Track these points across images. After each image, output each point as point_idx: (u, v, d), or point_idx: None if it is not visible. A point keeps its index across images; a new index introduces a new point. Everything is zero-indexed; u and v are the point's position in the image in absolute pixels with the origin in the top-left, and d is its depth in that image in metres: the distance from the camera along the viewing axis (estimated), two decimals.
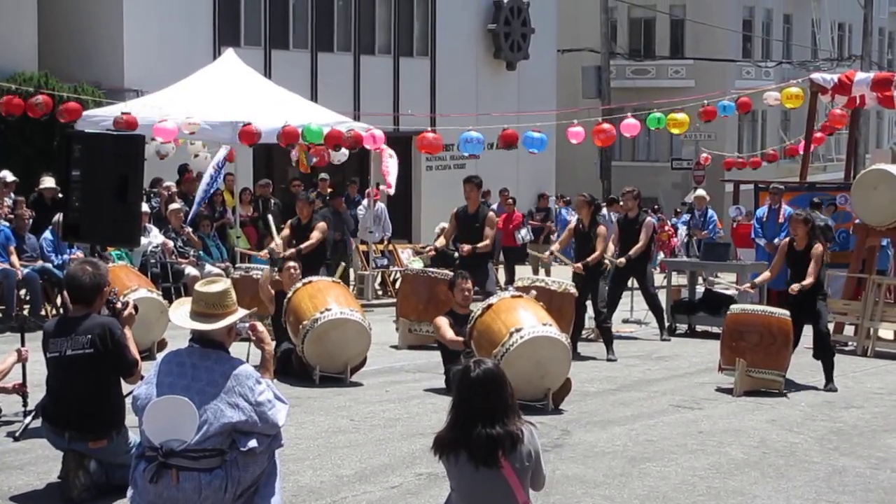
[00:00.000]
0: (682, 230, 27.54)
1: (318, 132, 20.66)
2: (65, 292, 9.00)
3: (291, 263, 14.17)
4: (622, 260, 16.86)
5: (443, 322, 12.36)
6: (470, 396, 5.97)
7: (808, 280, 13.61)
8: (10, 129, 22.06)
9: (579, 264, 15.68)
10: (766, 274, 14.75)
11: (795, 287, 13.58)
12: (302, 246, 16.01)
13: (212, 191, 21.23)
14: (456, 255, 16.45)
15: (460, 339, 11.96)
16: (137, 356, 7.80)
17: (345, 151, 22.37)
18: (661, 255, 27.76)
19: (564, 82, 41.57)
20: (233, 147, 21.07)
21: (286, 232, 16.95)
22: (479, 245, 15.64)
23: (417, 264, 21.40)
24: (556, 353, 11.73)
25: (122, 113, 19.68)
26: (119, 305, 8.14)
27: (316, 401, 11.99)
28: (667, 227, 29.80)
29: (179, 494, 6.50)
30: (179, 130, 20.07)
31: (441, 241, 16.90)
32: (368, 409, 11.65)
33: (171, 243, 19.06)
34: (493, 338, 11.68)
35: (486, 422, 5.90)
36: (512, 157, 27.38)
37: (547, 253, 17.37)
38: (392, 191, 22.83)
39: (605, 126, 22.43)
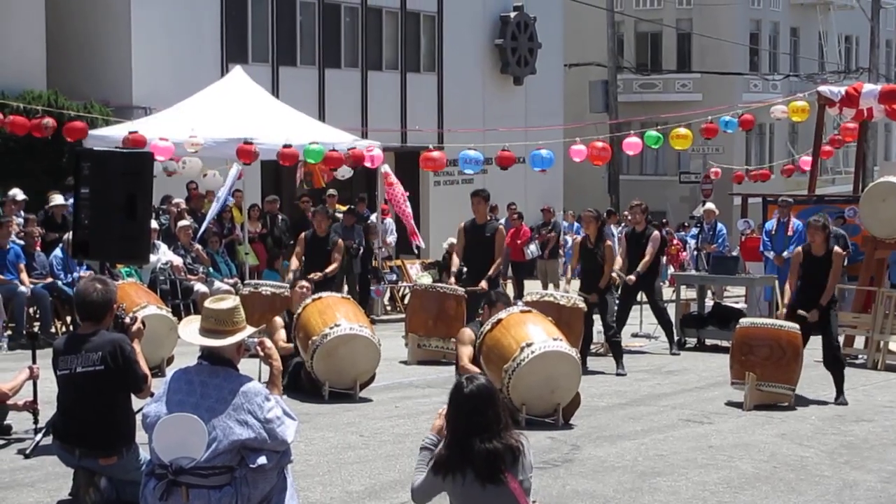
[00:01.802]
0: (692, 244, 27.53)
1: (320, 152, 20.68)
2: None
3: (304, 283, 14.21)
4: (631, 277, 16.83)
5: (466, 350, 12.12)
6: (465, 412, 6.00)
7: (827, 296, 13.71)
8: (20, 148, 22.14)
9: (595, 295, 15.58)
10: (788, 288, 14.49)
11: (811, 314, 13.65)
12: (328, 270, 16.26)
13: (222, 208, 21.27)
14: (464, 269, 16.44)
15: (476, 368, 11.75)
16: (147, 371, 7.81)
17: (348, 167, 22.44)
18: (670, 269, 27.74)
19: (571, 97, 41.64)
20: (240, 164, 21.08)
21: (298, 249, 17.00)
22: (492, 269, 15.71)
23: (426, 279, 21.41)
24: (566, 367, 11.73)
25: (130, 132, 19.74)
26: (127, 321, 8.14)
27: (325, 417, 11.99)
28: (674, 242, 29.77)
29: None
30: (182, 148, 20.12)
31: (455, 262, 16.69)
32: (378, 425, 11.65)
33: (180, 260, 19.08)
34: (504, 353, 11.68)
35: (483, 437, 5.91)
36: (520, 171, 27.41)
37: (565, 284, 17.33)
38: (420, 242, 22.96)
39: (599, 144, 22.48)
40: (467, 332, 12.33)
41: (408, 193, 23.68)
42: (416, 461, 6.23)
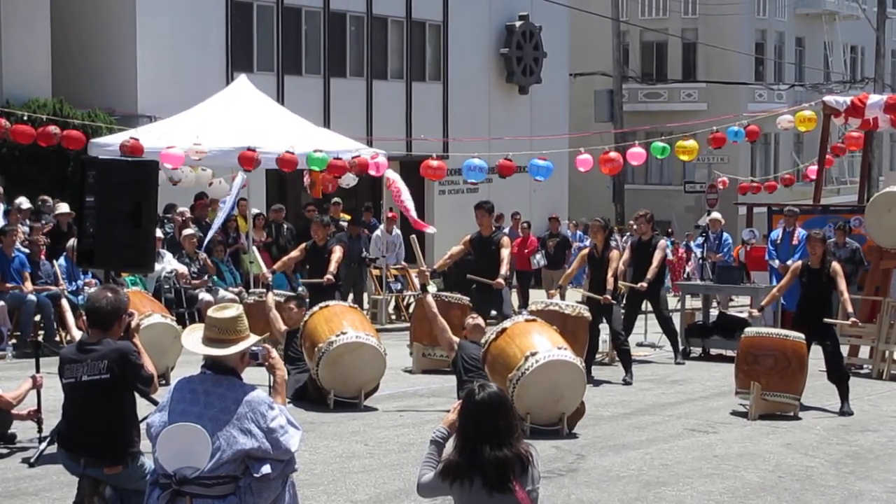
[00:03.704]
0: (697, 252, 27.50)
1: (323, 159, 20.69)
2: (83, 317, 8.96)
3: (291, 305, 14.21)
4: (643, 284, 16.78)
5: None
6: (476, 418, 5.98)
7: (849, 307, 13.85)
8: (24, 157, 22.16)
9: (608, 296, 15.53)
10: (774, 293, 14.78)
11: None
12: (331, 269, 16.03)
13: (227, 217, 21.25)
14: (473, 279, 16.44)
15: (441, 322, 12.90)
16: (153, 370, 7.78)
17: (353, 176, 22.44)
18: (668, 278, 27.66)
19: (577, 106, 41.62)
20: (244, 173, 21.06)
21: (295, 253, 16.96)
22: (502, 272, 15.62)
23: (432, 289, 21.39)
24: (571, 377, 11.72)
25: (131, 138, 19.76)
26: (125, 317, 8.07)
27: (330, 426, 11.99)
28: (680, 251, 29.73)
29: None
30: (187, 156, 20.13)
31: (440, 263, 16.89)
32: (383, 434, 11.65)
33: (184, 268, 19.09)
34: (508, 362, 11.69)
35: (493, 444, 5.91)
36: (525, 180, 27.39)
37: (554, 290, 17.32)
38: (432, 229, 22.98)
39: (613, 154, 22.43)
40: (455, 339, 12.79)
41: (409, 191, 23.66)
42: (425, 454, 6.23)
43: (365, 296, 22.92)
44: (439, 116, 33.91)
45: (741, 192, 32.32)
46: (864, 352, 17.54)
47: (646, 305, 18.10)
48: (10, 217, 18.74)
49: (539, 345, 11.79)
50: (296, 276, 20.32)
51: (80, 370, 7.63)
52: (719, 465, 10.63)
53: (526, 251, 25.75)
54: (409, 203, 22.91)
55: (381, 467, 10.19)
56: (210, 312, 6.90)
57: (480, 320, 13.06)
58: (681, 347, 18.07)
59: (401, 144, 30.96)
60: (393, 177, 22.77)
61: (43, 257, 17.83)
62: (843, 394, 13.65)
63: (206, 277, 19.55)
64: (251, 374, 6.99)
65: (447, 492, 6.05)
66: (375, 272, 23.12)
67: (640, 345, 19.35)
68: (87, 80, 26.29)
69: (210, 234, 20.66)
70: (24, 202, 19.37)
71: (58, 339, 16.96)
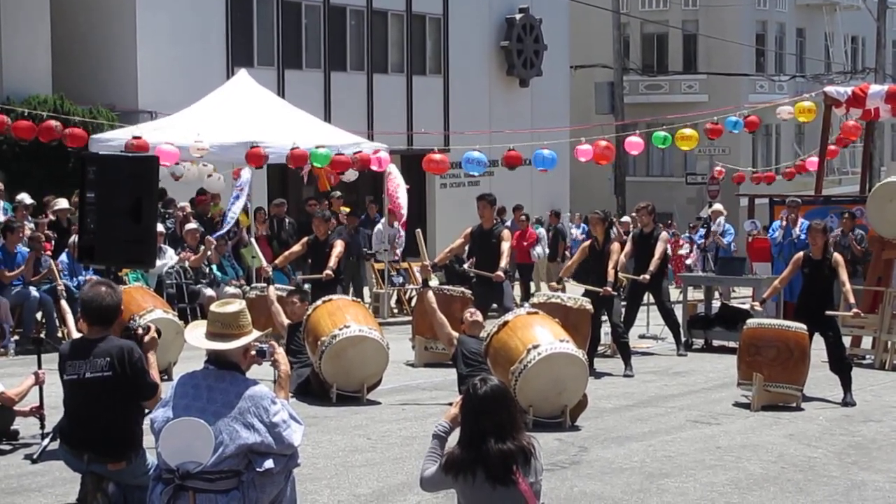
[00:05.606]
0: (697, 241, 27.47)
1: (326, 155, 20.67)
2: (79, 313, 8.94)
3: (294, 299, 14.20)
4: (646, 276, 16.76)
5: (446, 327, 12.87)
6: (478, 412, 6.00)
7: (850, 298, 13.85)
8: (24, 153, 22.15)
9: (609, 288, 15.47)
10: (775, 285, 14.75)
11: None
12: (331, 264, 15.89)
13: (240, 210, 21.13)
14: (472, 273, 16.41)
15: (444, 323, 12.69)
16: (158, 380, 7.76)
17: (354, 171, 22.45)
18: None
19: (577, 98, 41.64)
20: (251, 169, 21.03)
21: (297, 248, 16.93)
22: (501, 265, 15.54)
23: (433, 282, 21.41)
24: (573, 369, 11.72)
25: (134, 137, 19.76)
26: (140, 331, 8.05)
27: (333, 420, 11.99)
28: (682, 244, 29.73)
29: None
30: (188, 152, 20.10)
31: (440, 257, 16.85)
32: (385, 428, 11.65)
33: (191, 253, 19.14)
34: (510, 355, 11.69)
35: (496, 437, 5.92)
36: (526, 173, 27.40)
37: (556, 283, 17.26)
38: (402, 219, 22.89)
39: (602, 143, 22.47)
40: (454, 333, 12.70)
41: (408, 187, 23.52)
42: (428, 448, 6.23)
43: (366, 290, 22.92)
44: (440, 110, 33.93)
45: (735, 182, 32.29)
46: (867, 342, 17.53)
47: (648, 297, 18.09)
48: (16, 213, 18.77)
49: (541, 337, 11.78)
50: (289, 269, 20.26)
51: (83, 367, 7.63)
52: (722, 457, 10.63)
53: (525, 244, 25.73)
54: (403, 200, 22.77)
55: (384, 461, 10.19)
56: (213, 307, 6.92)
57: (478, 315, 13.01)
58: (683, 339, 18.06)
59: (402, 138, 30.96)
60: (394, 172, 22.74)
61: (47, 254, 17.82)
62: (846, 384, 13.64)
63: (207, 270, 19.53)
64: (254, 369, 7.00)
65: (450, 485, 6.06)
66: (378, 266, 23.13)
67: (642, 337, 19.35)
68: (87, 76, 26.30)
69: (227, 226, 20.50)
70: (25, 198, 19.37)
71: (60, 335, 16.97)
